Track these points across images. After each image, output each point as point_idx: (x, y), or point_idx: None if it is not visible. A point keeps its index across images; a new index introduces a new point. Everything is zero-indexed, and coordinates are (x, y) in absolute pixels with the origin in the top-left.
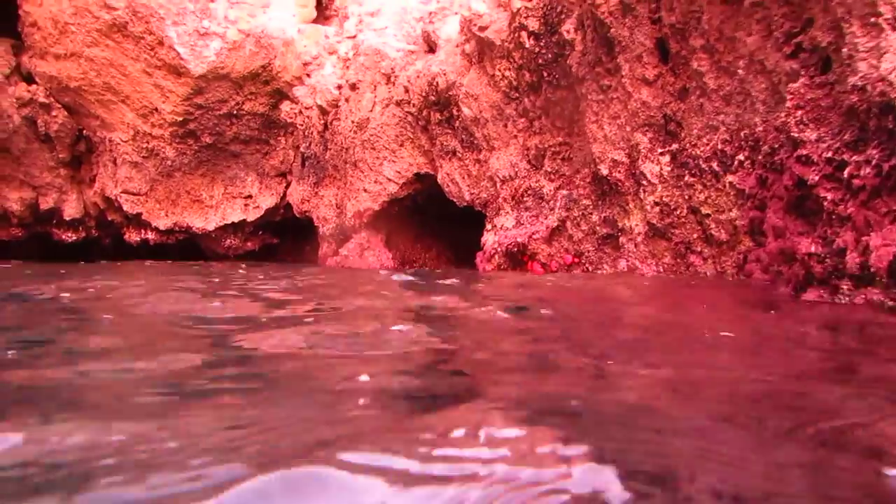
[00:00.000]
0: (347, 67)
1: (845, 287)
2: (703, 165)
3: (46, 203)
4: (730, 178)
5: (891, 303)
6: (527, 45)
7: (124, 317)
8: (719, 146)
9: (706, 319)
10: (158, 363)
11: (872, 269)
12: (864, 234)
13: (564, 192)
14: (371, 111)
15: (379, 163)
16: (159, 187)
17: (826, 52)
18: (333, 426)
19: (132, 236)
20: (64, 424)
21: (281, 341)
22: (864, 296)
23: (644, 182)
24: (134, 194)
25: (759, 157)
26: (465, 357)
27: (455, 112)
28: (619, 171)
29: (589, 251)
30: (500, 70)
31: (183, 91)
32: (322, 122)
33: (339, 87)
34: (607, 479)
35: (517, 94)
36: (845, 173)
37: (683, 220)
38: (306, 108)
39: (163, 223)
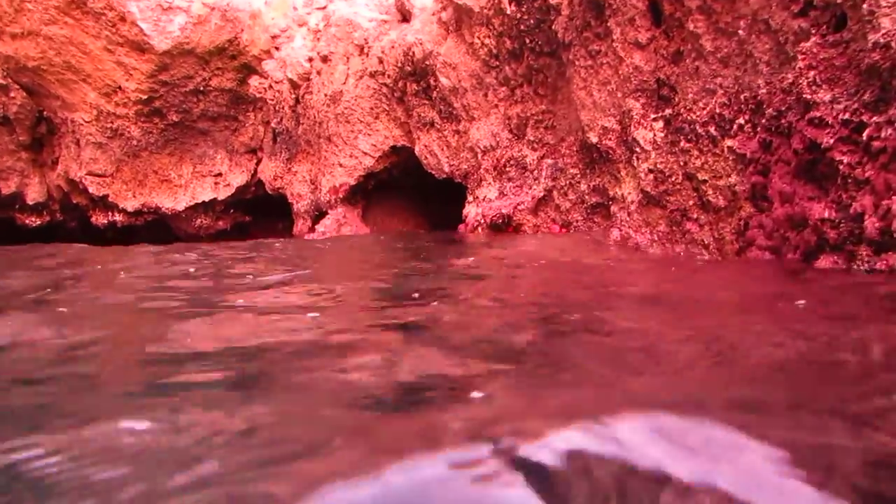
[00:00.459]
0: (318, 39)
1: (864, 253)
2: (700, 130)
3: (8, 188)
4: (728, 142)
5: None
6: (508, 12)
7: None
8: (717, 110)
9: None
10: None
11: (895, 235)
12: (885, 197)
13: (550, 161)
14: (344, 84)
15: (354, 136)
16: (125, 168)
17: (841, 9)
18: None
19: (99, 219)
20: None
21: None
22: (885, 262)
23: (637, 149)
24: (99, 176)
25: (763, 121)
26: None
27: (432, 82)
28: (610, 139)
29: (577, 221)
30: (479, 38)
31: (147, 68)
32: (293, 96)
33: (310, 59)
34: None
35: (497, 63)
36: (864, 135)
37: (679, 186)
38: (276, 83)
39: (130, 205)
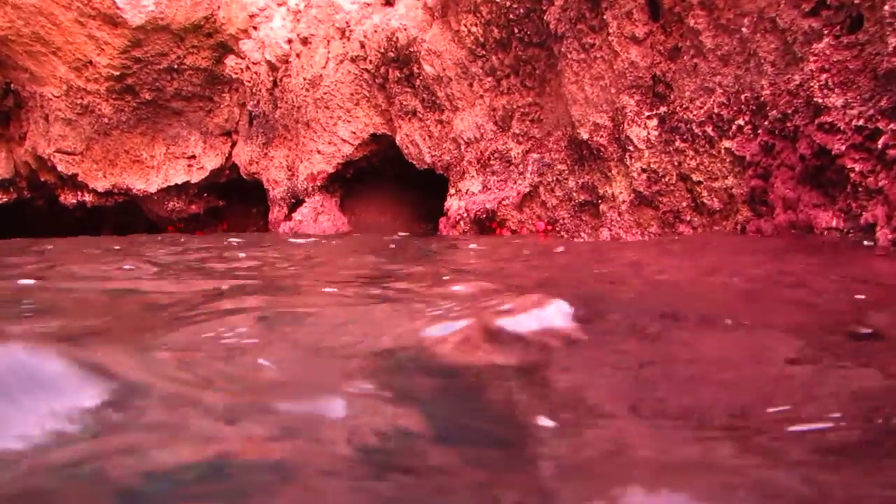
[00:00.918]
0: (298, 20)
1: None
2: (696, 130)
3: None
4: (726, 143)
5: None
6: (497, 0)
7: None
8: (715, 110)
9: None
10: None
11: None
12: None
13: (536, 155)
14: (324, 68)
15: (333, 123)
16: (96, 146)
17: (857, 10)
18: None
19: (68, 198)
20: None
21: None
22: None
23: (630, 147)
24: (69, 153)
25: (766, 123)
26: None
27: (416, 70)
28: (601, 136)
29: (564, 218)
30: (465, 25)
31: (120, 43)
32: (271, 78)
33: (290, 41)
34: None
35: (484, 52)
36: (879, 143)
37: (672, 187)
38: (254, 64)
39: (101, 185)
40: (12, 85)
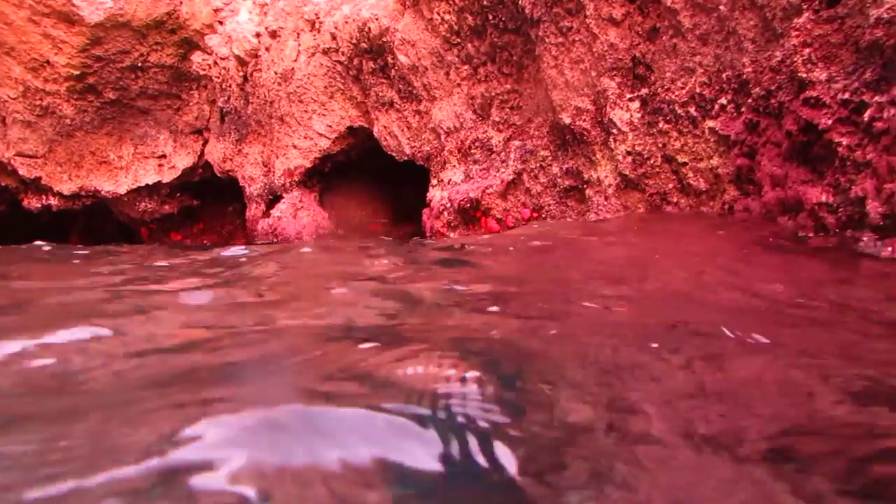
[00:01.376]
0: (265, 13)
1: (866, 239)
2: (679, 111)
3: None
4: (710, 123)
5: None
6: None
7: None
8: (697, 89)
9: None
10: None
11: None
12: (888, 181)
13: (518, 142)
14: (295, 61)
15: (308, 117)
16: (59, 148)
17: None
18: None
19: (32, 202)
20: None
21: None
22: (890, 248)
23: (613, 130)
24: (30, 157)
25: (749, 101)
26: None
27: (390, 60)
28: (584, 120)
29: (550, 205)
30: (438, 13)
31: (78, 41)
32: (241, 73)
33: (258, 35)
34: None
35: (459, 40)
36: (865, 116)
37: (658, 169)
38: (222, 59)
39: (66, 188)
40: None
